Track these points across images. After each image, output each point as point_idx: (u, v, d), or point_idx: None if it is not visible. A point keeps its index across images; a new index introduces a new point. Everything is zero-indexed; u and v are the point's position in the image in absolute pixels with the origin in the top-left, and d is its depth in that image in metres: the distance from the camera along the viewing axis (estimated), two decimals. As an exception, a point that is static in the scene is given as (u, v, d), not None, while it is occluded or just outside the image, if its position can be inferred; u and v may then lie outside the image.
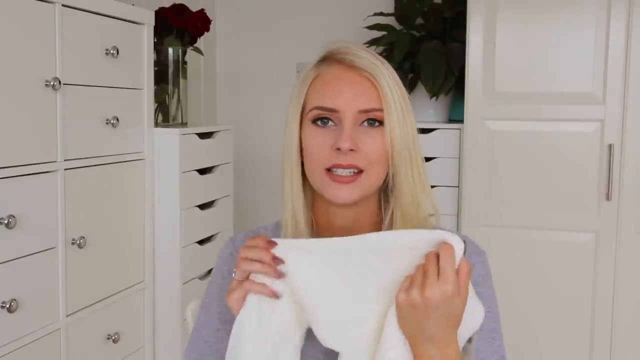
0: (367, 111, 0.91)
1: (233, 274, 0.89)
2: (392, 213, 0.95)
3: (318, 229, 0.99)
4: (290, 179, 0.96)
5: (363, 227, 0.97)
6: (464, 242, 0.81)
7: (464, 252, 0.81)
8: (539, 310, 2.30)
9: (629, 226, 2.20)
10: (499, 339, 0.95)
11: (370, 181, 0.93)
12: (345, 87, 0.92)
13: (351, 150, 0.90)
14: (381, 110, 0.91)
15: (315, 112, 0.93)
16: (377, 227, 0.98)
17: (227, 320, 0.97)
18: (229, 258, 1.02)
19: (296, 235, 0.96)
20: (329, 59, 0.95)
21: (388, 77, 0.92)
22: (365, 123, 0.92)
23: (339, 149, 0.90)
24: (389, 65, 0.95)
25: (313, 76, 0.95)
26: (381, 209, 0.98)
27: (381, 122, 0.92)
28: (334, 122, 0.92)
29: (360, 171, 0.91)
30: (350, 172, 0.91)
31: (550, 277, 2.29)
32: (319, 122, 0.93)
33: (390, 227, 0.96)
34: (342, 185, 0.91)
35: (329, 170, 0.91)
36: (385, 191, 0.97)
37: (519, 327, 2.30)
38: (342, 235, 0.96)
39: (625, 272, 2.22)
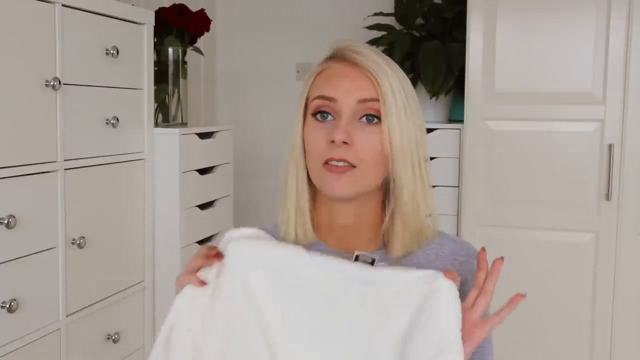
0: (365, 100, 0.91)
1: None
2: (392, 215, 0.95)
3: (319, 229, 0.98)
4: (296, 177, 0.95)
5: (364, 226, 0.97)
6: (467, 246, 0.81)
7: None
8: (539, 310, 2.30)
9: (629, 226, 2.20)
10: (486, 345, 0.94)
11: (366, 180, 0.92)
12: (346, 79, 0.92)
13: (345, 143, 0.89)
14: (379, 100, 0.90)
15: (316, 103, 0.93)
16: (378, 227, 0.97)
17: None
18: None
19: (300, 233, 0.96)
20: (335, 56, 0.95)
21: (391, 76, 0.92)
22: (364, 119, 0.91)
23: (333, 141, 0.89)
24: (397, 68, 0.94)
25: (317, 72, 0.96)
26: (384, 209, 0.97)
27: (379, 119, 0.91)
28: (332, 117, 0.92)
29: (353, 166, 0.90)
30: (343, 164, 0.90)
31: (550, 277, 2.29)
32: (318, 116, 0.93)
33: (390, 229, 0.95)
34: (337, 177, 0.90)
35: (325, 164, 0.91)
36: (387, 191, 0.96)
37: (518, 327, 2.29)
38: (343, 234, 0.95)
39: (625, 272, 2.22)
